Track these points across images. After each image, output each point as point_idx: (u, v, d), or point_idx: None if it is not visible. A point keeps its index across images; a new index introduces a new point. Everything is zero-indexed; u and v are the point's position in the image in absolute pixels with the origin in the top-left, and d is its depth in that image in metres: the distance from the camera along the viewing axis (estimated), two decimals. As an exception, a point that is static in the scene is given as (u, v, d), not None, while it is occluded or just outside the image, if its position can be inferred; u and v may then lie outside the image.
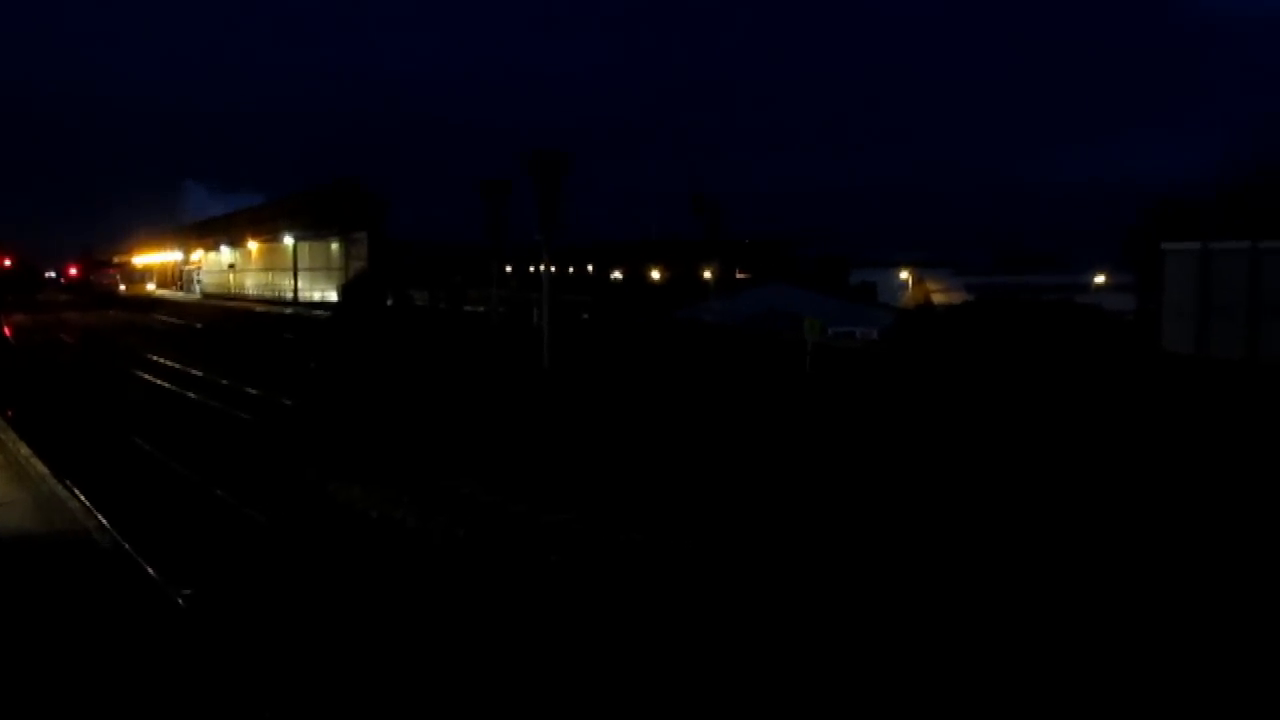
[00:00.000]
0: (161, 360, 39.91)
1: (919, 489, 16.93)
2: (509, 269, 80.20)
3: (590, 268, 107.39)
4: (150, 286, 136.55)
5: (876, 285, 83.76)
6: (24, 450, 20.60)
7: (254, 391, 30.44)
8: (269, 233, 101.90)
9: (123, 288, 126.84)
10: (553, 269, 39.12)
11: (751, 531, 14.69)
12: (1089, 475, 17.58)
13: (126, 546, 14.14)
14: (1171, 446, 19.91)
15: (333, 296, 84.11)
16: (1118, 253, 56.05)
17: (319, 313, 74.35)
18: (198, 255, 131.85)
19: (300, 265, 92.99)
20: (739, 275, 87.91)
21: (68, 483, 17.75)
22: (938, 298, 72.02)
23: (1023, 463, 18.76)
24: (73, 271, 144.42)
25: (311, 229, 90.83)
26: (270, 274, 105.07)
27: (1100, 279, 72.65)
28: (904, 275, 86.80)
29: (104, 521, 15.28)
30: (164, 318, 73.05)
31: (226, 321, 67.35)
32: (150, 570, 13.04)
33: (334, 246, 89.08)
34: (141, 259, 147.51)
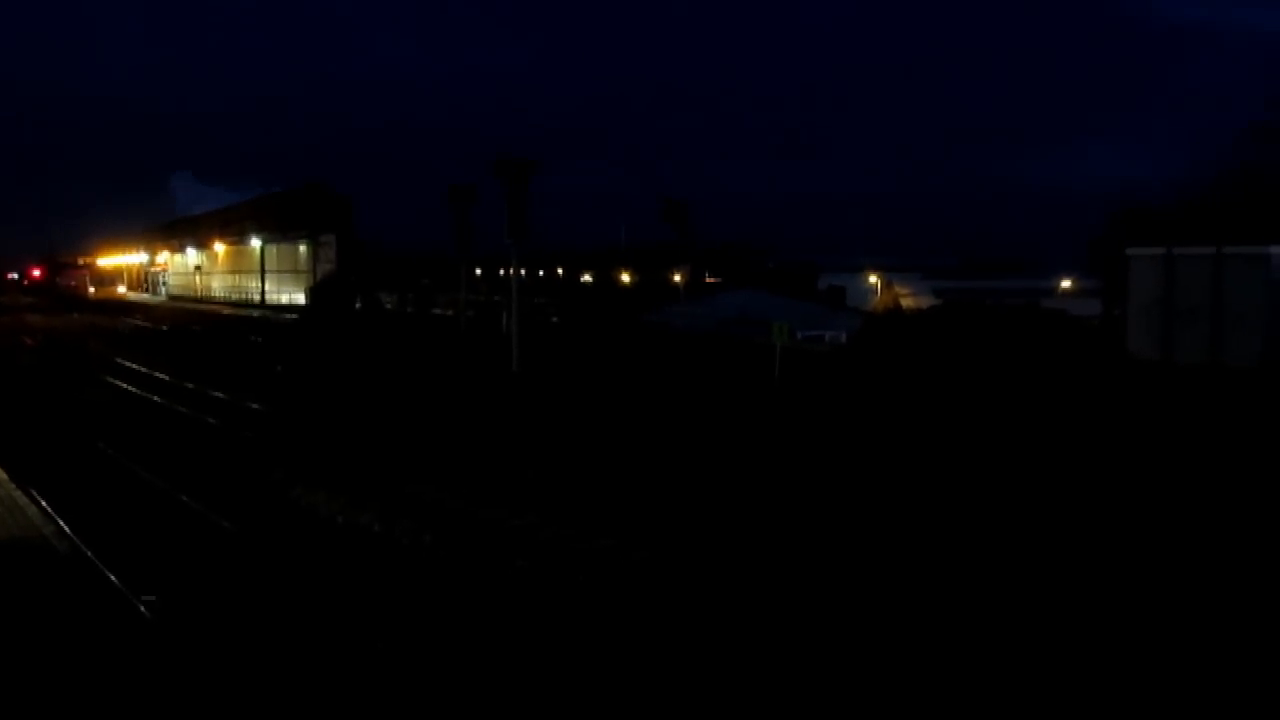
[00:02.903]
0: (126, 364, 39.49)
1: (883, 490, 16.98)
2: (479, 272, 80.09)
3: (560, 271, 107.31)
4: (121, 289, 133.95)
5: (846, 289, 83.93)
6: (-18, 455, 20.31)
7: (220, 395, 30.16)
8: (236, 235, 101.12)
9: (91, 290, 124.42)
10: (522, 273, 39.06)
11: (719, 536, 14.66)
12: (1048, 476, 17.69)
13: (88, 553, 13.93)
14: (1127, 447, 20.07)
15: (300, 299, 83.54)
16: (1084, 257, 56.45)
17: (287, 316, 73.84)
18: (163, 257, 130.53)
19: (267, 268, 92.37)
20: (708, 280, 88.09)
21: (26, 487, 17.48)
22: (906, 301, 72.21)
23: (983, 465, 18.84)
24: (36, 273, 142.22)
25: (279, 231, 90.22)
26: (237, 276, 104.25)
27: (1066, 283, 73.18)
28: (873, 279, 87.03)
29: (64, 527, 15.06)
30: (129, 320, 72.31)
31: (193, 324, 66.76)
32: (112, 577, 12.85)
33: (302, 249, 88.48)
34: (106, 260, 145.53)
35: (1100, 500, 16.29)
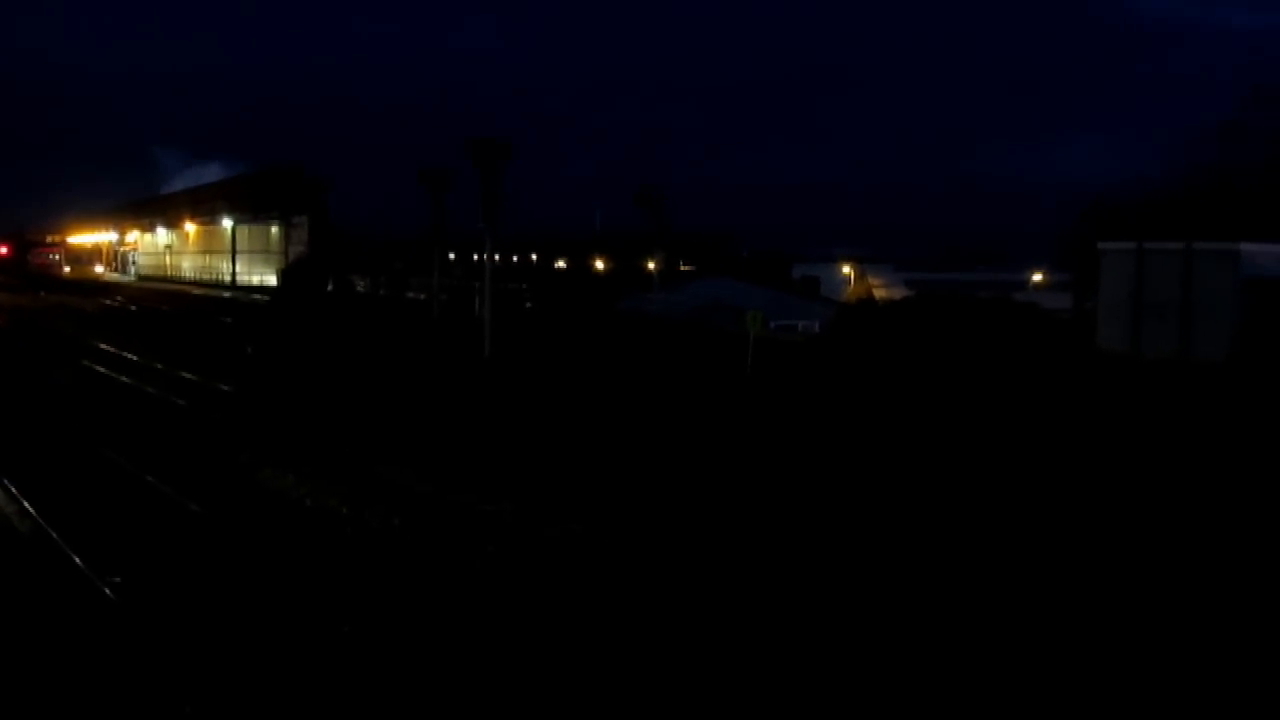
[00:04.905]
0: (95, 344, 39.13)
1: (851, 476, 17.06)
2: (453, 257, 79.65)
3: (535, 257, 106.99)
4: (99, 269, 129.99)
5: (819, 279, 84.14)
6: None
7: (189, 376, 29.93)
8: (207, 215, 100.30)
9: (67, 270, 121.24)
10: (497, 258, 38.99)
11: (688, 523, 14.68)
12: (1014, 463, 17.81)
13: (53, 534, 13.82)
14: (1092, 435, 20.24)
15: (272, 281, 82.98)
16: (1055, 251, 56.91)
17: (257, 297, 73.36)
18: (133, 236, 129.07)
19: (239, 248, 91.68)
20: (683, 267, 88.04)
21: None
22: (879, 293, 72.49)
23: (951, 454, 18.94)
24: (3, 251, 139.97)
25: (251, 212, 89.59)
26: (208, 257, 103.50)
27: (1038, 277, 73.71)
28: (846, 270, 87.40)
29: (27, 506, 14.92)
30: (99, 300, 71.66)
31: (162, 304, 66.25)
32: (76, 559, 12.75)
33: (274, 230, 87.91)
34: (82, 239, 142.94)
35: (1064, 486, 16.43)
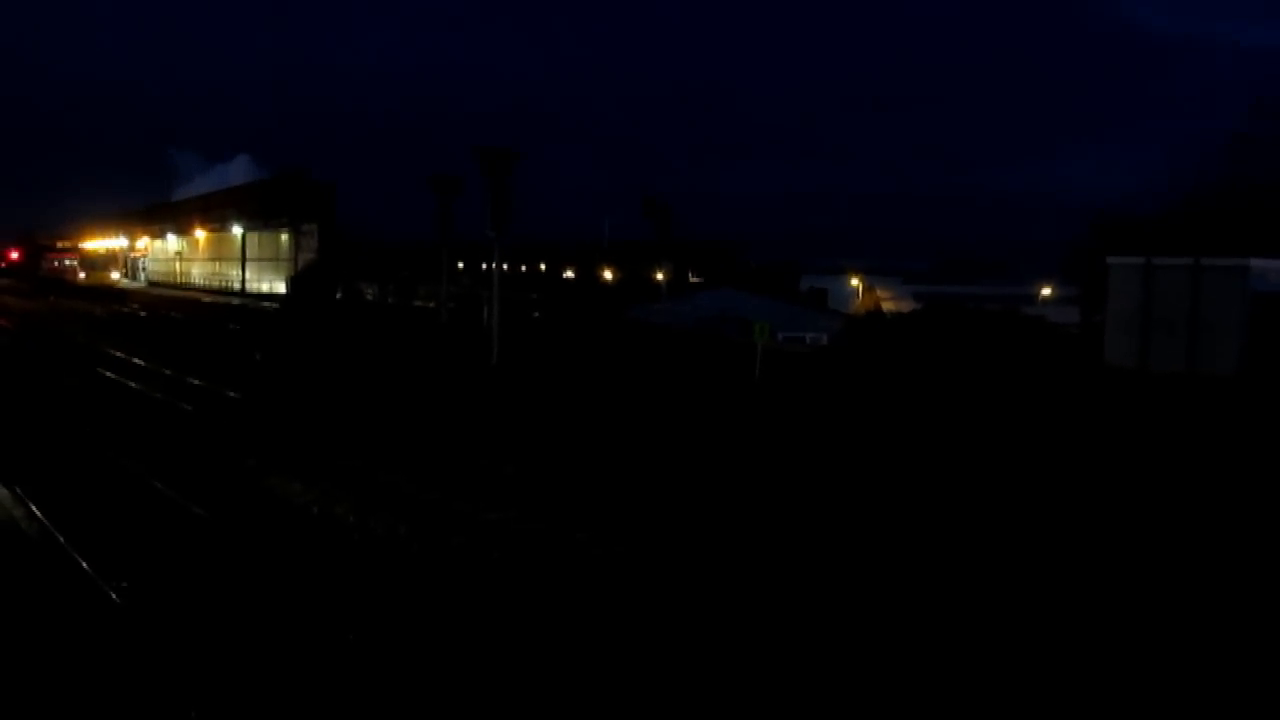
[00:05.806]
0: (103, 349, 39.25)
1: (859, 486, 17.05)
2: (461, 265, 79.92)
3: (543, 266, 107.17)
4: (115, 275, 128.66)
5: (827, 291, 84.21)
6: (-47, 437, 20.14)
7: (197, 382, 30.00)
8: (217, 221, 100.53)
9: (82, 275, 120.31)
10: (505, 267, 39.04)
11: (697, 534, 14.68)
12: (1023, 474, 17.79)
13: (60, 539, 13.85)
14: (1099, 448, 20.21)
15: (281, 288, 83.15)
16: (1063, 265, 56.91)
17: (266, 304, 73.54)
18: (143, 243, 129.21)
19: (249, 255, 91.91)
20: (691, 278, 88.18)
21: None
22: (887, 305, 72.60)
23: (960, 468, 18.92)
24: (13, 256, 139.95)
25: (260, 219, 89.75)
26: (218, 263, 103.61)
27: (1046, 291, 73.67)
28: (854, 282, 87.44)
29: (34, 509, 14.96)
30: (109, 306, 71.88)
31: (172, 310, 66.43)
32: (83, 564, 12.78)
33: (283, 238, 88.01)
34: (96, 243, 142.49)
35: (1072, 498, 16.40)
